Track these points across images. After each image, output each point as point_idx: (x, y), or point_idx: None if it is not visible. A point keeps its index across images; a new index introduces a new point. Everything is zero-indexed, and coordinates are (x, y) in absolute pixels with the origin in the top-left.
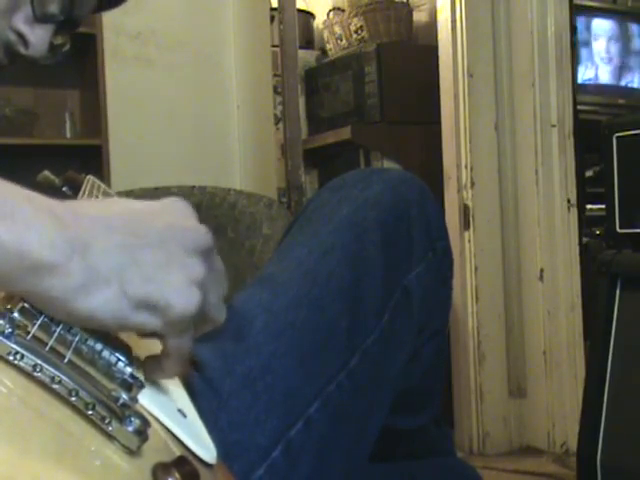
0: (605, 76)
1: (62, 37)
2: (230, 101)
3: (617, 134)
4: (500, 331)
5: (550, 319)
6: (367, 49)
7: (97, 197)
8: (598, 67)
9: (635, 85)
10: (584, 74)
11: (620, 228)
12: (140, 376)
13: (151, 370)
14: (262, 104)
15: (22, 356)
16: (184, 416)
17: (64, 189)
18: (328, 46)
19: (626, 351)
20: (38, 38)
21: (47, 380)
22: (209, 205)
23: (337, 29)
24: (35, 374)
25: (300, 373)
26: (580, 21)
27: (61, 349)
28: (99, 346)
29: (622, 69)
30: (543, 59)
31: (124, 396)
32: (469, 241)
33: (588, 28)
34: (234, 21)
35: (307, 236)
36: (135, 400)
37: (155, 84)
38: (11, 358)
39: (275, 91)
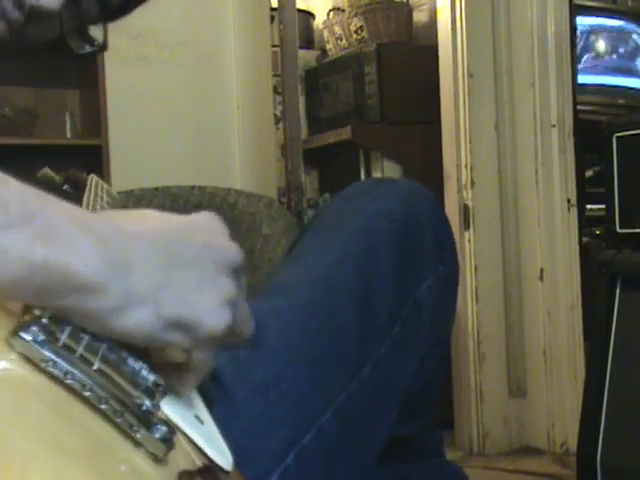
0: (605, 76)
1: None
2: (230, 101)
3: (617, 134)
4: (500, 331)
5: (550, 319)
6: (367, 49)
7: (102, 198)
8: (598, 67)
9: (635, 85)
10: (584, 74)
11: (620, 228)
12: (163, 383)
13: (170, 381)
14: (262, 104)
15: (54, 363)
16: (201, 423)
17: (65, 187)
18: (328, 46)
19: (626, 351)
20: None
21: (78, 387)
22: (209, 205)
23: (337, 29)
24: (67, 381)
25: (312, 382)
26: (580, 21)
27: (89, 357)
28: (124, 354)
29: (622, 69)
30: (543, 59)
31: (147, 403)
32: (469, 241)
33: (588, 28)
34: (234, 21)
35: (320, 245)
36: (157, 407)
37: (155, 84)
38: (44, 365)
39: (275, 91)
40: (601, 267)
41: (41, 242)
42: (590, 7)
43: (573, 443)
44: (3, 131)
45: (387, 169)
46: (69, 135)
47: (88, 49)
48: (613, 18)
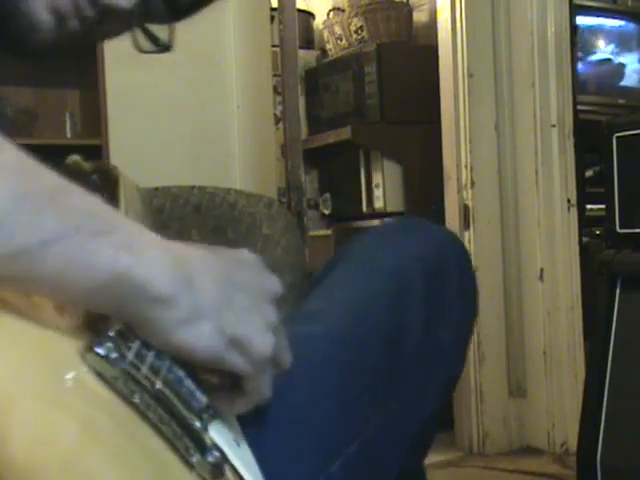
0: (605, 76)
1: (164, 28)
2: (230, 101)
3: (617, 134)
4: (500, 331)
5: (550, 319)
6: (367, 49)
7: (135, 195)
8: (598, 67)
9: (635, 85)
10: (584, 74)
11: (620, 228)
12: (212, 406)
13: (220, 403)
14: (262, 104)
15: (123, 381)
16: (238, 445)
17: (93, 177)
18: (328, 46)
19: (626, 351)
20: None
21: (143, 407)
22: (209, 205)
23: (337, 29)
24: (133, 399)
25: (341, 412)
26: (580, 21)
27: (152, 376)
28: (182, 374)
29: (622, 69)
30: (543, 59)
31: (197, 424)
32: (469, 241)
33: (588, 28)
34: (234, 21)
35: (353, 278)
36: (206, 429)
37: (155, 84)
38: (114, 382)
39: (275, 91)
40: (601, 267)
41: (125, 252)
42: (590, 7)
43: (573, 443)
44: (3, 131)
45: (387, 169)
46: (69, 135)
47: (153, 49)
48: (613, 18)
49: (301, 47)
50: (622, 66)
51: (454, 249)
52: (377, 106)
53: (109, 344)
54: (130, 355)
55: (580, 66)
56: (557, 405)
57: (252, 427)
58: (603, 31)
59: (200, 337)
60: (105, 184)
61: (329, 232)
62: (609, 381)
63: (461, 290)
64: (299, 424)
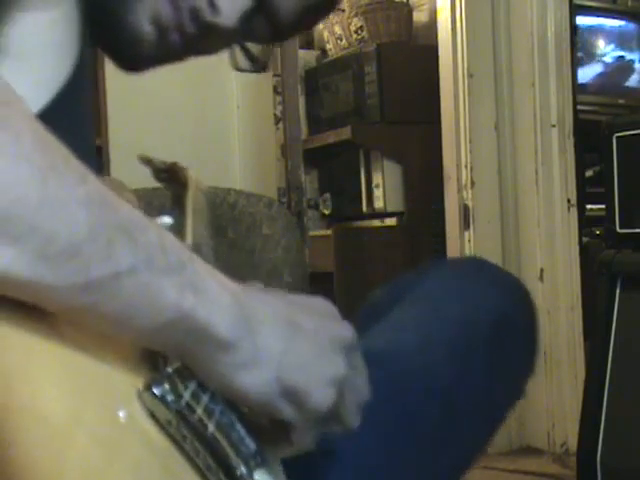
0: (605, 76)
1: (263, 49)
2: (230, 101)
3: (617, 134)
4: None
5: (550, 319)
6: (367, 49)
7: (199, 197)
8: (598, 67)
9: (635, 85)
10: (584, 74)
11: (620, 228)
12: (260, 452)
13: (264, 444)
14: (262, 104)
15: (176, 426)
16: None
17: (164, 175)
18: (328, 46)
19: (626, 351)
20: (228, 3)
21: (192, 453)
22: (209, 205)
23: (337, 29)
24: (184, 446)
25: (391, 462)
26: (580, 21)
27: (205, 419)
28: (234, 417)
29: (622, 69)
30: (543, 59)
31: (243, 470)
32: (469, 241)
33: (588, 28)
34: None
35: (417, 323)
36: (251, 476)
37: (155, 84)
38: (167, 426)
39: (275, 91)
40: (601, 267)
41: (191, 292)
42: (590, 7)
43: (573, 443)
44: None
45: (387, 169)
46: None
47: (249, 68)
48: (613, 18)
49: (301, 47)
50: (627, 66)
51: (522, 300)
52: (377, 106)
53: (166, 385)
54: (186, 395)
55: (580, 66)
56: (557, 405)
57: (297, 474)
58: (603, 31)
59: (256, 383)
60: (174, 182)
61: (329, 232)
62: (609, 381)
63: (524, 345)
64: (347, 473)
